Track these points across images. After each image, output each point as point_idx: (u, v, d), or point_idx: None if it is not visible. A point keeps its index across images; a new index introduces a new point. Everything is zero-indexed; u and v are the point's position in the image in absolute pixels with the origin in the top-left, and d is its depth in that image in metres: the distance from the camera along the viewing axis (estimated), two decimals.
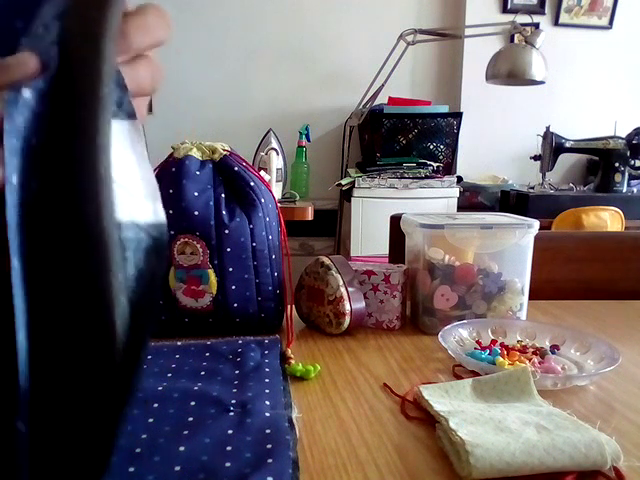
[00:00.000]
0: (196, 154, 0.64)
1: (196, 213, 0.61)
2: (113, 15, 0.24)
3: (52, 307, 0.24)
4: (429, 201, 2.09)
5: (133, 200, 0.26)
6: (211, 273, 0.63)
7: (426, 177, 2.10)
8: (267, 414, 0.44)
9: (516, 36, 2.32)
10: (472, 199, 2.32)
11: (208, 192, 0.63)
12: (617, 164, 2.16)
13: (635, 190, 2.24)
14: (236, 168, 0.65)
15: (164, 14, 0.31)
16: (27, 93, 0.23)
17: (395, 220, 1.03)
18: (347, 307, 0.65)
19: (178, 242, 0.62)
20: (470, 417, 0.42)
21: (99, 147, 0.23)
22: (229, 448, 0.39)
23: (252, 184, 0.65)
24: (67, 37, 0.24)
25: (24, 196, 0.23)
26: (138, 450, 0.38)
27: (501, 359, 0.55)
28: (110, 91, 0.24)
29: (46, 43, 0.24)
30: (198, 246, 0.62)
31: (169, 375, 0.52)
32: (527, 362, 0.56)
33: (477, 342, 0.63)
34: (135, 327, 0.25)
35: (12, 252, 0.22)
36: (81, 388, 0.24)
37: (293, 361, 0.56)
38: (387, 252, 1.07)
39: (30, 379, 0.23)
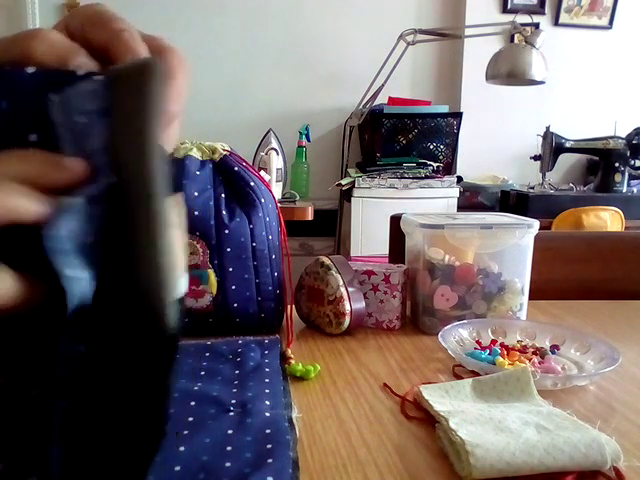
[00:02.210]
0: (196, 154, 0.64)
1: (196, 213, 0.61)
2: (158, 104, 0.24)
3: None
4: (429, 201, 2.09)
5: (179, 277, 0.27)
6: (211, 273, 0.63)
7: (426, 177, 2.10)
8: (267, 414, 0.44)
9: (516, 36, 2.32)
10: (472, 199, 2.32)
11: (208, 192, 0.63)
12: (617, 164, 2.16)
13: (635, 190, 2.24)
14: (236, 168, 0.64)
15: (184, 60, 0.30)
16: (78, 199, 0.24)
17: (395, 220, 1.03)
18: (347, 307, 0.65)
19: None
20: (470, 417, 0.42)
21: (159, 248, 0.24)
22: (229, 448, 0.39)
23: (252, 184, 0.65)
24: (117, 144, 0.24)
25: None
26: None
27: (501, 359, 0.55)
28: (163, 189, 0.24)
29: (94, 146, 0.24)
30: (198, 246, 0.62)
31: None
32: (527, 362, 0.56)
33: (477, 342, 0.63)
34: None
35: None
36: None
37: (293, 361, 0.56)
38: (387, 252, 1.07)
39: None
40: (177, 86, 0.27)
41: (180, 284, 0.27)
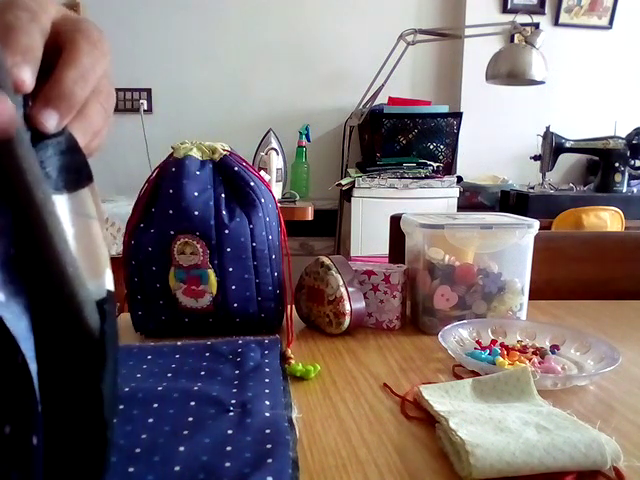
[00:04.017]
0: (196, 154, 0.64)
1: (196, 213, 0.61)
2: None
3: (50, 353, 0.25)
4: (429, 201, 2.09)
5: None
6: (211, 273, 0.63)
7: (426, 177, 2.10)
8: (267, 414, 0.44)
9: (516, 36, 2.32)
10: (472, 199, 2.32)
11: (208, 192, 0.63)
12: (617, 164, 2.16)
13: (635, 190, 2.24)
14: (236, 168, 0.64)
15: (97, 41, 0.29)
16: None
17: (395, 220, 1.03)
18: (347, 307, 0.65)
19: (178, 242, 0.62)
20: (470, 417, 0.42)
21: (55, 244, 0.23)
22: (229, 448, 0.39)
23: (252, 184, 0.65)
24: None
25: None
26: (138, 450, 0.38)
27: (501, 359, 0.55)
28: (40, 181, 0.23)
29: None
30: (198, 246, 0.62)
31: (169, 375, 0.52)
32: (527, 362, 0.56)
33: (477, 342, 0.63)
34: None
35: None
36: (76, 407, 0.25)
37: (293, 361, 0.56)
38: (387, 252, 1.07)
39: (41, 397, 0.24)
40: (81, 67, 0.27)
41: (103, 281, 0.26)
